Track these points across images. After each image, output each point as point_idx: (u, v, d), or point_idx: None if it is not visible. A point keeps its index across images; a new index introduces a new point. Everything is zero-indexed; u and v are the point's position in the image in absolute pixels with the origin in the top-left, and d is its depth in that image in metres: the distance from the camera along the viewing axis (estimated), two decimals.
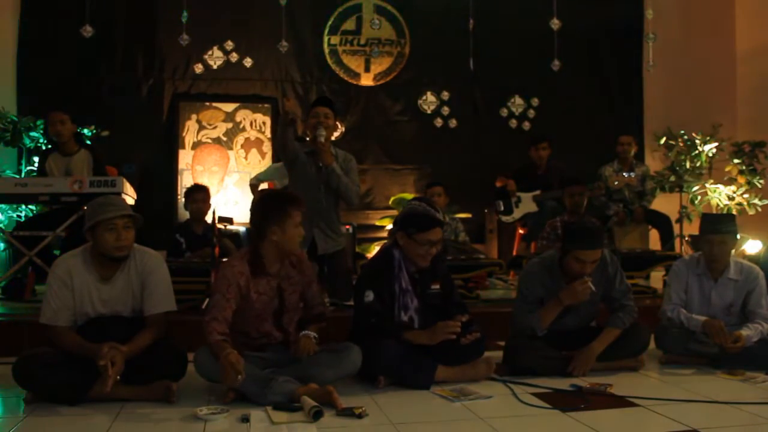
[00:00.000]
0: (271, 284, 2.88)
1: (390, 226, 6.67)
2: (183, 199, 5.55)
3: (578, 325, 3.36)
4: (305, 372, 2.75)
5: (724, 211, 7.19)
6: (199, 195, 4.98)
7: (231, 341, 2.70)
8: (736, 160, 7.39)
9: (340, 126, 7.41)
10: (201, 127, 7.24)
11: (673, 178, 7.35)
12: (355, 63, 7.64)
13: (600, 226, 3.83)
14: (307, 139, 4.17)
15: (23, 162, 6.37)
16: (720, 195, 7.39)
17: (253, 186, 5.83)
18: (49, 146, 5.22)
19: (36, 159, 5.67)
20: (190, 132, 7.21)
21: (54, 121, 4.51)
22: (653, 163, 7.58)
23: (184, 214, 6.01)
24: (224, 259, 2.91)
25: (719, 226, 3.38)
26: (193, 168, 7.15)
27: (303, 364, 2.79)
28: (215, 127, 7.27)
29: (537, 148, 6.06)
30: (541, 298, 3.26)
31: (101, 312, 2.79)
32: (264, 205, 2.87)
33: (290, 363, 2.83)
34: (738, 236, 3.50)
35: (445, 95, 7.78)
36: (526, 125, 7.89)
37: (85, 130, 6.25)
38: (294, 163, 3.99)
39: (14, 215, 6.10)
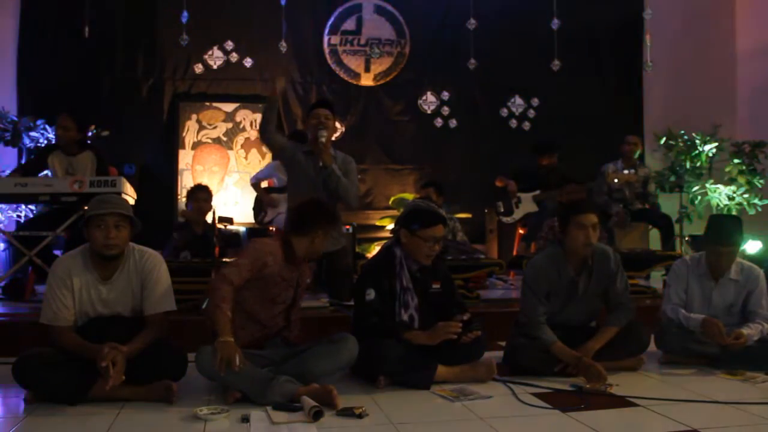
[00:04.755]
0: (293, 275, 2.99)
1: (390, 226, 6.68)
2: (183, 199, 5.56)
3: (580, 320, 3.37)
4: (303, 365, 2.77)
5: (724, 211, 7.19)
6: (202, 195, 4.98)
7: (234, 332, 2.72)
8: (736, 160, 7.39)
9: (340, 126, 7.42)
10: (201, 127, 7.24)
11: (673, 178, 7.37)
12: (355, 63, 7.64)
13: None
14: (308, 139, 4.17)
15: (23, 162, 6.36)
16: (720, 195, 7.40)
17: (255, 185, 5.83)
18: (52, 143, 5.22)
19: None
20: (190, 132, 7.21)
21: (59, 125, 4.54)
22: (653, 163, 7.59)
23: None
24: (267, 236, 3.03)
25: (727, 238, 3.35)
26: (193, 168, 7.15)
27: (300, 358, 2.81)
28: (215, 127, 7.27)
29: (551, 156, 6.04)
30: (547, 292, 3.27)
31: (101, 312, 2.79)
32: (320, 209, 3.05)
33: (288, 358, 2.85)
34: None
35: (445, 95, 7.79)
36: (526, 125, 7.90)
37: None
38: (290, 160, 4.00)
39: (14, 215, 6.11)
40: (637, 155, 6.18)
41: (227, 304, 2.69)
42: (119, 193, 3.94)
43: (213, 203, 5.00)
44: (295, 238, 2.98)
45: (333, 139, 4.10)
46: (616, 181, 5.92)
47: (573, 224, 3.18)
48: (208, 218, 4.84)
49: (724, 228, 3.42)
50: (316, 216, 2.99)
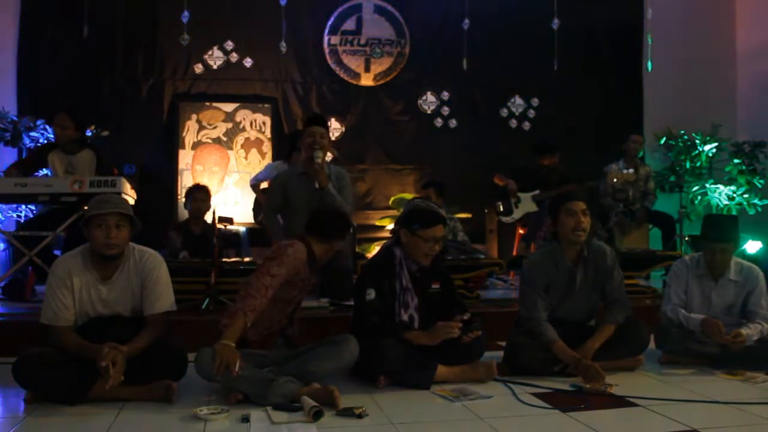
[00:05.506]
0: (311, 278, 3.05)
1: (390, 226, 6.68)
2: (183, 199, 5.56)
3: (578, 316, 3.38)
4: (304, 366, 2.78)
5: (724, 211, 7.20)
6: (200, 194, 4.99)
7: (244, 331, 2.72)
8: (736, 160, 7.39)
9: (340, 126, 7.43)
10: (201, 127, 7.23)
11: (673, 178, 7.37)
12: (355, 63, 7.63)
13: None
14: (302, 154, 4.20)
15: (24, 157, 6.35)
16: (720, 195, 7.40)
17: (254, 186, 5.84)
18: (52, 142, 5.21)
19: None
20: (190, 132, 7.20)
21: (57, 123, 4.54)
22: (653, 163, 7.59)
23: (183, 214, 6.01)
24: (287, 243, 2.98)
25: (723, 234, 3.36)
26: (193, 168, 7.14)
27: (302, 358, 2.83)
28: (215, 127, 7.26)
29: (551, 156, 6.04)
30: (546, 285, 3.28)
31: (101, 312, 2.79)
32: (343, 220, 3.15)
33: (289, 359, 2.87)
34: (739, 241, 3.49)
35: (445, 95, 7.78)
36: (526, 125, 7.89)
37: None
38: (286, 191, 4.08)
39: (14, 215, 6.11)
40: (639, 154, 6.19)
41: (254, 315, 2.69)
42: (119, 193, 3.94)
43: (213, 203, 5.00)
44: (315, 243, 3.02)
45: (332, 139, 4.12)
46: (615, 180, 5.92)
47: (563, 212, 3.23)
48: (208, 218, 4.84)
49: (719, 224, 3.45)
50: (339, 225, 3.09)
